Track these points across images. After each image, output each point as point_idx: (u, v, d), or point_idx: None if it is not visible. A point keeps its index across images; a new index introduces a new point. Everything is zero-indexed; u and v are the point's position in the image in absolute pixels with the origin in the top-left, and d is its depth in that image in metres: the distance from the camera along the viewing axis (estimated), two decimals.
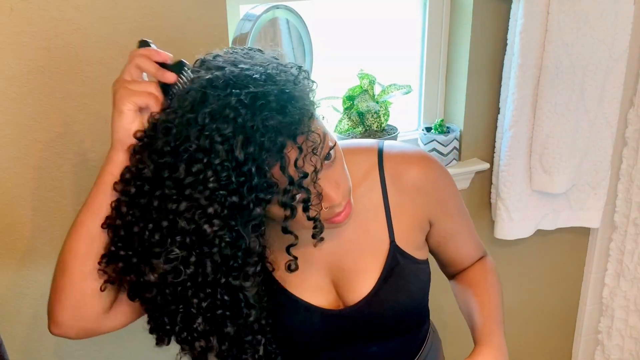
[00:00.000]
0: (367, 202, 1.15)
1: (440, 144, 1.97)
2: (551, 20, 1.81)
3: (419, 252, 1.19)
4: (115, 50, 1.44)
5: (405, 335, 1.23)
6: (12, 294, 1.53)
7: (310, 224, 0.99)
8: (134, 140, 0.97)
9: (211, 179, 0.88)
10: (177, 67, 1.01)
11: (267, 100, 0.89)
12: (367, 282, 1.14)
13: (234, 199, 0.90)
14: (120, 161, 0.98)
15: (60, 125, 1.45)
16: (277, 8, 1.48)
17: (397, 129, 1.90)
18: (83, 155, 1.49)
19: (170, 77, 0.99)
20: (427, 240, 1.24)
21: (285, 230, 0.99)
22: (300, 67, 0.98)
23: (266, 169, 0.89)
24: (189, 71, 1.00)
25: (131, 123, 0.97)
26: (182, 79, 0.99)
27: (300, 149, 0.91)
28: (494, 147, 2.05)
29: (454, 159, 2.03)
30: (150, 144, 0.94)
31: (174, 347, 1.09)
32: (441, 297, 1.73)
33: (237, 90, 0.89)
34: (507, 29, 1.90)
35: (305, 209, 0.96)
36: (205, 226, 0.91)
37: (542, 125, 1.91)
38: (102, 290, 1.02)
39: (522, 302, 2.42)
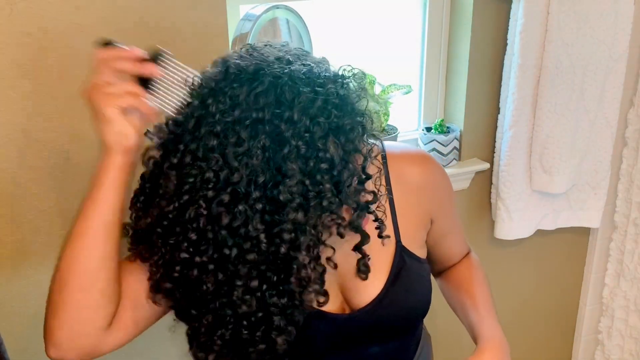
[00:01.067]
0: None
1: (440, 144, 1.98)
2: (551, 20, 1.81)
3: (421, 251, 1.20)
4: None
5: (408, 334, 1.22)
6: (12, 294, 1.53)
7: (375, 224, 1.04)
8: (130, 143, 0.96)
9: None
10: (154, 57, 0.99)
11: (349, 101, 0.96)
12: (375, 284, 1.13)
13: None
14: (119, 165, 0.97)
15: (61, 126, 1.45)
16: (277, 8, 1.48)
17: (397, 129, 1.90)
18: (83, 155, 1.49)
19: (155, 70, 0.97)
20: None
21: (358, 229, 1.01)
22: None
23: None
24: (167, 56, 0.99)
25: (122, 127, 0.95)
26: (164, 67, 0.98)
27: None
28: (494, 147, 2.05)
29: (454, 159, 2.03)
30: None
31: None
32: None
33: (322, 89, 0.93)
34: (507, 29, 1.90)
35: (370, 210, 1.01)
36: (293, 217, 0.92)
37: (542, 125, 1.91)
38: (154, 296, 1.02)
39: (522, 302, 2.42)
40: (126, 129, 0.95)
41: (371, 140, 1.01)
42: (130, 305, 1.04)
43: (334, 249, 1.01)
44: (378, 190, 1.04)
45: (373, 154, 1.01)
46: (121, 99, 0.94)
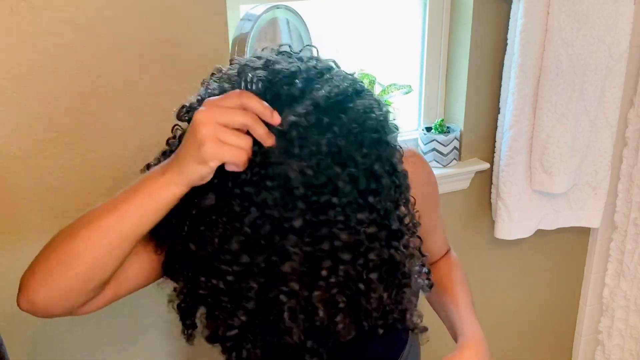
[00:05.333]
0: None
1: (441, 143, 1.97)
2: (551, 20, 1.81)
3: None
4: (115, 50, 1.45)
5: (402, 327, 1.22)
6: (13, 295, 1.52)
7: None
8: (203, 182, 0.89)
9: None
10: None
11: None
12: None
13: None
14: (179, 195, 0.89)
15: (61, 125, 1.45)
16: (277, 8, 1.48)
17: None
18: (83, 155, 1.49)
19: (277, 118, 0.88)
20: None
21: (414, 234, 1.03)
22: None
23: None
24: None
25: (209, 175, 0.87)
26: None
27: None
28: (494, 147, 2.05)
29: (454, 158, 2.03)
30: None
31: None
32: None
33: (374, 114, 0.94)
34: (507, 29, 1.90)
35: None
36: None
37: (543, 125, 1.91)
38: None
39: (522, 302, 2.42)
40: (210, 175, 0.88)
41: None
42: (116, 282, 1.01)
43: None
44: None
45: None
46: (231, 153, 0.85)
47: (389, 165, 0.95)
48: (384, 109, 0.98)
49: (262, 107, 0.86)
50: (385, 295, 0.97)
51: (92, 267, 0.92)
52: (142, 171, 1.04)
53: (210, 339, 1.02)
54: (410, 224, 1.01)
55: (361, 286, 0.94)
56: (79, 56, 1.42)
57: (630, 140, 2.21)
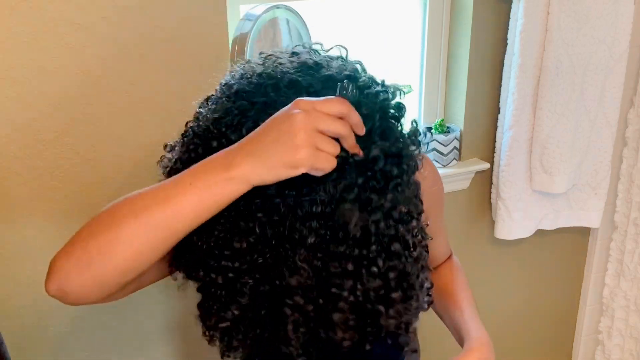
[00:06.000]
0: None
1: (441, 143, 1.98)
2: (551, 20, 1.81)
3: None
4: (115, 50, 1.45)
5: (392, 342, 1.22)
6: (14, 294, 1.53)
7: None
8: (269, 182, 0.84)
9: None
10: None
11: None
12: None
13: None
14: (243, 192, 0.84)
15: (61, 125, 1.45)
16: (277, 8, 1.48)
17: None
18: (83, 155, 1.49)
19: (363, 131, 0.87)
20: None
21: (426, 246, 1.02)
22: None
23: None
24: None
25: (288, 175, 0.82)
26: None
27: None
28: (494, 147, 2.05)
29: (454, 158, 2.03)
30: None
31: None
32: None
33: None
34: (507, 29, 1.90)
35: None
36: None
37: (543, 125, 1.91)
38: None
39: (522, 302, 2.42)
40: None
41: None
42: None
43: None
44: None
45: None
46: (324, 162, 0.81)
47: (414, 185, 0.96)
48: (415, 125, 1.00)
49: (359, 120, 0.85)
50: (402, 309, 0.96)
51: (134, 260, 0.86)
52: (161, 160, 1.01)
53: (201, 319, 1.00)
54: (421, 237, 0.99)
55: (381, 308, 0.93)
56: (80, 56, 1.42)
57: (630, 140, 2.21)
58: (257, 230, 0.88)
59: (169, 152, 1.01)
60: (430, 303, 1.12)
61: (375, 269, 0.89)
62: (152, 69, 1.50)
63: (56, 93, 1.43)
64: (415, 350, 1.16)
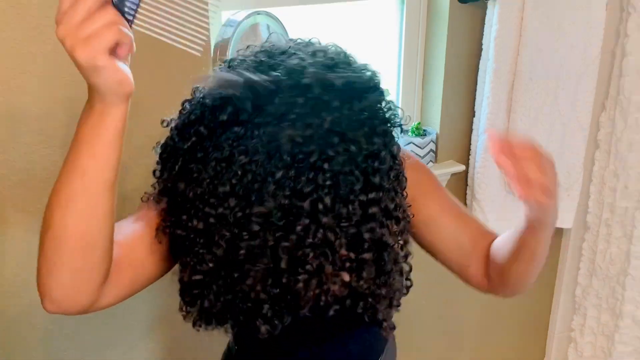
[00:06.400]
0: None
1: (417, 146, 2.00)
2: (525, 25, 1.84)
3: None
4: None
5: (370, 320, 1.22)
6: (5, 297, 1.53)
7: None
8: (130, 88, 0.84)
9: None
10: None
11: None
12: None
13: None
14: (121, 116, 0.86)
15: (61, 126, 1.45)
16: (258, 14, 1.50)
17: None
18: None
19: None
20: (417, 237, 1.23)
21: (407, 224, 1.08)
22: None
23: None
24: None
25: (117, 73, 0.81)
26: None
27: None
28: (470, 149, 2.08)
29: (431, 161, 2.06)
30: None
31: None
32: None
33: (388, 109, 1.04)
34: (482, 34, 1.93)
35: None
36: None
37: (517, 128, 1.94)
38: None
39: (496, 300, 2.45)
40: (121, 74, 0.81)
41: None
42: (129, 264, 1.00)
43: None
44: None
45: None
46: (104, 38, 0.76)
47: (390, 155, 1.01)
48: (396, 109, 1.05)
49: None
50: (370, 275, 1.01)
51: (82, 235, 0.86)
52: (156, 151, 1.08)
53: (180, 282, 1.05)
54: (403, 214, 1.05)
55: (352, 264, 0.99)
56: (68, 61, 1.42)
57: (602, 143, 2.25)
58: (239, 173, 0.93)
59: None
60: (409, 287, 1.15)
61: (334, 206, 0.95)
62: (135, 74, 1.49)
63: (55, 93, 1.42)
64: (394, 328, 1.17)
